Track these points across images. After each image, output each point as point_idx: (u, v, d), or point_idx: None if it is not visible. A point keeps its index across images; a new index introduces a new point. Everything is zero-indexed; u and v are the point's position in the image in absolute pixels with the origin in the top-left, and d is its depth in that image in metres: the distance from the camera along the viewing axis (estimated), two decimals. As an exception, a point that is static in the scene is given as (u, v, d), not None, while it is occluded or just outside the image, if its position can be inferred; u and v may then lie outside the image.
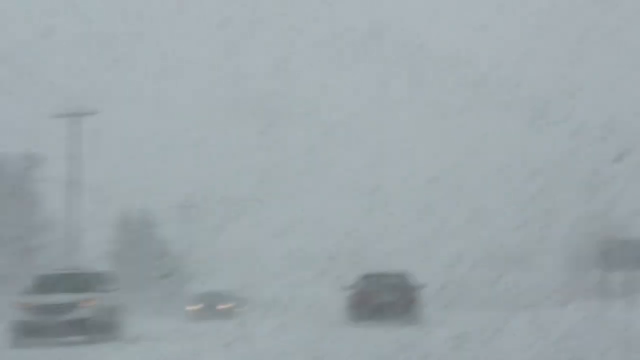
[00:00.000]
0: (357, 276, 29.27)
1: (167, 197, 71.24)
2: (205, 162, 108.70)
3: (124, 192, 64.74)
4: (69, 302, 20.77)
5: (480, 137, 69.66)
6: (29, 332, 20.29)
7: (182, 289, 68.90)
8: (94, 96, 62.13)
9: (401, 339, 17.51)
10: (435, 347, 15.13)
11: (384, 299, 27.09)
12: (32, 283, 22.27)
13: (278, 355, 14.96)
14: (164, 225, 75.94)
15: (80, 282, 21.97)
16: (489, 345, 15.10)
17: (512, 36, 79.53)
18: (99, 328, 21.00)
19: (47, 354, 18.29)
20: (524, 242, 59.42)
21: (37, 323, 20.29)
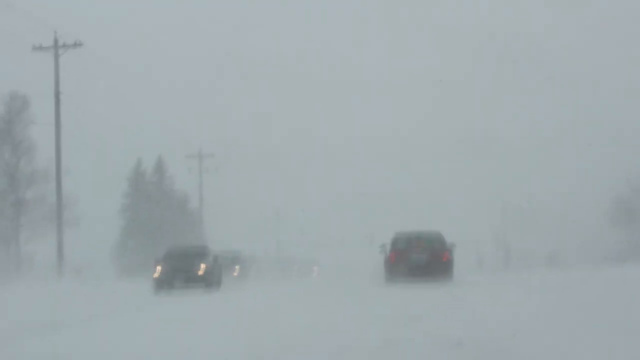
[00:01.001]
0: (392, 236, 29.31)
1: (180, 145, 64.43)
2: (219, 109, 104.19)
3: (128, 140, 58.61)
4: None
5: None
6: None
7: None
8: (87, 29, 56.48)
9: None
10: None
11: (418, 258, 27.48)
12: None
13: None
14: (180, 176, 68.88)
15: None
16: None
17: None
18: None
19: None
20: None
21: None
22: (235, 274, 44.55)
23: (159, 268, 28.82)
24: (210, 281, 29.48)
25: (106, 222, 64.33)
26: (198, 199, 67.26)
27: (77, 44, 43.51)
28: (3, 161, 50.16)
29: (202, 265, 29.47)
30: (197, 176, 66.36)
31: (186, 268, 29.05)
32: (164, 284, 28.51)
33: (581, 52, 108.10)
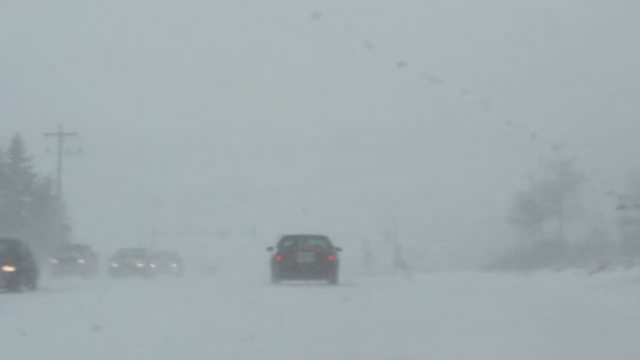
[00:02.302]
0: (279, 238, 30.62)
1: (39, 123, 56.53)
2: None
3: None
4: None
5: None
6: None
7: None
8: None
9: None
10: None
11: (303, 259, 28.33)
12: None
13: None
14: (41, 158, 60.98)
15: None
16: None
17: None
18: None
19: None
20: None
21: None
22: None
23: None
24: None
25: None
26: (57, 184, 59.23)
27: None
28: None
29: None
30: (58, 158, 58.08)
31: None
32: None
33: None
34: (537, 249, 64.34)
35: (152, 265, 50.77)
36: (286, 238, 30.09)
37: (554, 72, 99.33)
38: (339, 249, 29.50)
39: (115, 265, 41.95)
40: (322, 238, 30.19)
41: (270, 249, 29.77)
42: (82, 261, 43.04)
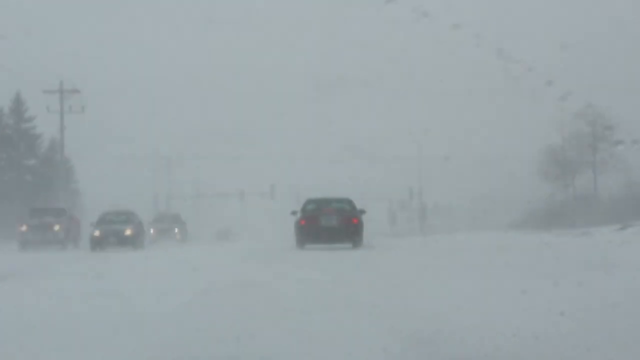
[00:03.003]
0: (303, 202, 30.86)
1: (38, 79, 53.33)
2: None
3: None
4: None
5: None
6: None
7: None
8: None
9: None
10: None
11: (327, 223, 28.31)
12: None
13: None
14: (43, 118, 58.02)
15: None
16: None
17: None
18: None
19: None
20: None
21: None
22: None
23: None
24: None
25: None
26: (59, 146, 56.12)
27: None
28: None
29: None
30: (60, 116, 54.79)
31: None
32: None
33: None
34: (569, 205, 60.92)
35: (151, 231, 46.98)
36: (310, 202, 30.10)
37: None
38: (363, 212, 29.44)
39: (97, 233, 33.06)
40: (346, 201, 30.18)
41: (294, 212, 29.85)
42: (57, 228, 36.40)
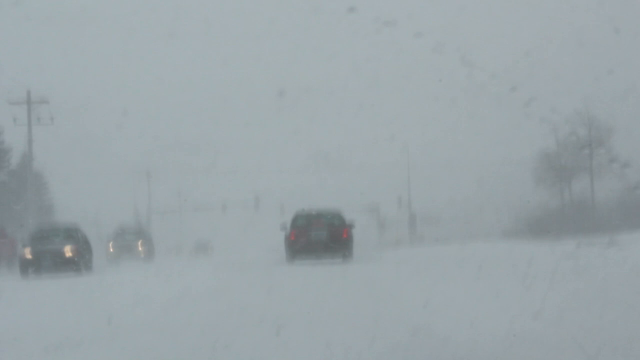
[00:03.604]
0: (292, 215, 30.45)
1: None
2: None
3: None
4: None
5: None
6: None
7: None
8: None
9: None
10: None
11: (317, 237, 28.26)
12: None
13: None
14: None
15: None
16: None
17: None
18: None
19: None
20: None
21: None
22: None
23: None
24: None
25: None
26: (28, 159, 53.10)
27: None
28: None
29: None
30: (29, 129, 51.79)
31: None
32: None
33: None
34: (564, 212, 58.74)
35: (110, 248, 41.57)
36: (299, 216, 29.79)
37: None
38: (352, 225, 29.28)
39: (27, 255, 26.71)
40: (336, 214, 30.07)
41: (283, 227, 29.48)
42: None
